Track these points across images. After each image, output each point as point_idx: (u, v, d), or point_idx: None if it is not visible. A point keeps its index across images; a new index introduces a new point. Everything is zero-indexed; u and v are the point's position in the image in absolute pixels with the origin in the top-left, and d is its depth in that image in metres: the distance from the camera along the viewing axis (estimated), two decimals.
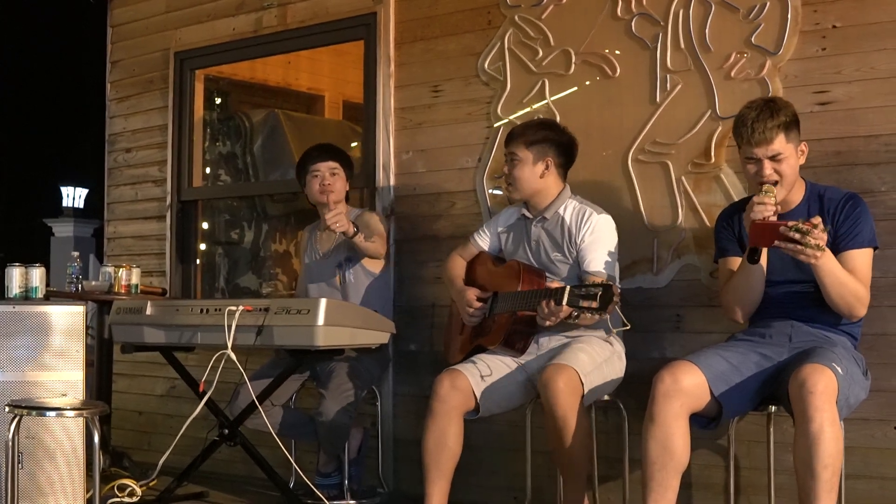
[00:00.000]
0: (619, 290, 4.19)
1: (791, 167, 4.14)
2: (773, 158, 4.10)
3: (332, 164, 5.62)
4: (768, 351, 4.16)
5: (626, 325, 4.36)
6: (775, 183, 4.09)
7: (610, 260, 4.70)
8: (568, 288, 4.27)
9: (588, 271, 4.68)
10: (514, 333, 4.71)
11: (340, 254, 5.62)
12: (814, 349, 4.02)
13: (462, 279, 5.10)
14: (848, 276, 4.02)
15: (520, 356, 4.77)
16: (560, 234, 4.79)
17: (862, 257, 4.11)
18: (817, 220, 3.85)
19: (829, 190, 4.26)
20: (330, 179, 5.59)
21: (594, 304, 4.17)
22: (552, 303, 4.33)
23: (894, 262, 4.53)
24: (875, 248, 4.17)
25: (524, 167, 4.82)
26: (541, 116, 5.37)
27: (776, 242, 3.87)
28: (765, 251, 4.11)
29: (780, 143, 4.09)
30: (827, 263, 3.93)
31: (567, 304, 4.26)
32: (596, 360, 4.56)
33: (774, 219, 3.96)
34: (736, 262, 4.30)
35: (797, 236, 3.81)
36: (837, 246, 4.07)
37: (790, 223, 3.84)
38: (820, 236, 3.82)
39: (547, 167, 4.83)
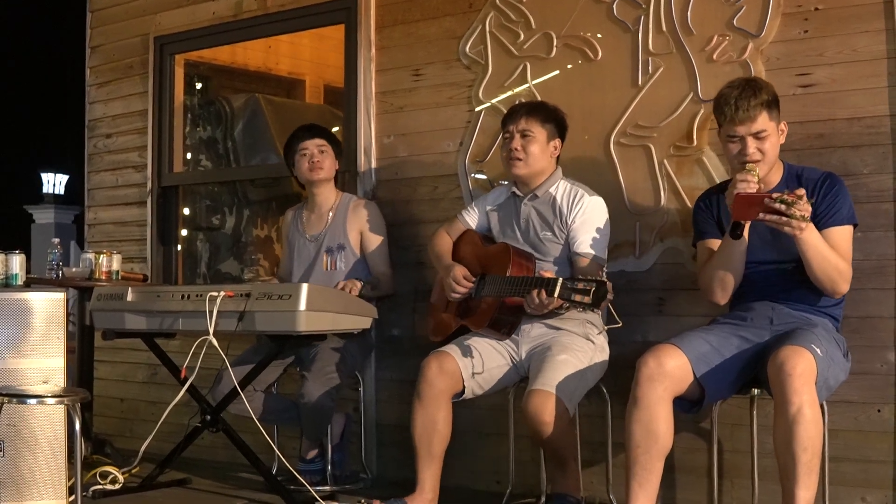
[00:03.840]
0: (611, 287, 4.16)
1: (773, 145, 4.17)
2: (757, 136, 4.13)
3: (319, 141, 5.62)
4: (749, 334, 4.17)
5: (618, 323, 4.29)
6: (757, 162, 4.10)
7: (600, 242, 4.70)
8: (560, 280, 4.24)
9: (578, 252, 4.69)
10: (500, 318, 4.70)
11: (332, 240, 5.61)
12: (794, 331, 4.03)
13: (450, 255, 5.08)
14: (830, 251, 4.03)
15: (504, 339, 4.76)
16: (551, 213, 4.79)
17: (842, 234, 4.13)
18: (801, 191, 3.88)
19: (806, 170, 4.29)
20: (319, 157, 5.60)
21: (587, 300, 4.14)
22: (543, 293, 4.31)
23: (877, 245, 4.54)
24: (855, 226, 4.18)
25: (538, 144, 4.81)
26: (523, 100, 5.36)
27: (761, 215, 3.88)
28: (746, 228, 4.13)
29: (764, 121, 4.12)
30: (811, 237, 3.95)
31: (558, 297, 4.24)
32: (579, 367, 4.53)
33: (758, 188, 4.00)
34: (715, 244, 4.32)
35: (782, 207, 3.82)
36: (817, 224, 4.07)
37: (775, 195, 3.86)
38: (805, 207, 3.84)
39: (555, 148, 4.85)
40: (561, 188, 4.83)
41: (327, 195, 5.68)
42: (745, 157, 4.12)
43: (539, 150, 4.81)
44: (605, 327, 4.60)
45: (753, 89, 4.14)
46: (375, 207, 5.70)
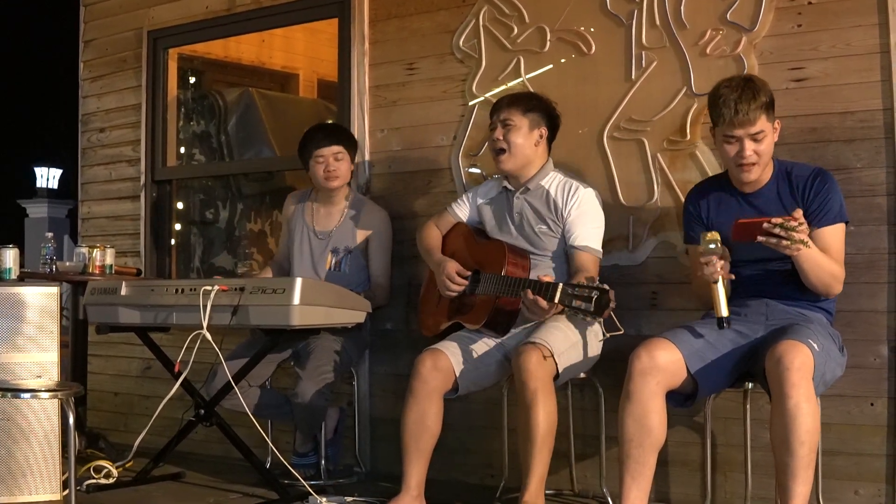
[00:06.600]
0: (613, 295, 4.13)
1: (768, 145, 4.15)
2: (755, 138, 4.10)
3: (336, 148, 5.58)
4: (744, 329, 4.18)
5: (620, 330, 4.25)
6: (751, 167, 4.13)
7: (596, 235, 4.71)
8: (560, 286, 4.21)
9: (574, 245, 4.69)
10: (497, 316, 4.68)
11: (339, 241, 5.61)
12: (790, 326, 4.03)
13: (439, 250, 5.07)
14: (825, 259, 4.03)
15: (501, 338, 4.75)
16: (545, 206, 4.78)
17: (834, 233, 4.13)
18: (798, 213, 3.89)
19: (796, 167, 4.27)
20: (334, 165, 5.57)
21: (589, 308, 4.11)
22: (541, 299, 4.30)
23: (869, 239, 4.54)
24: (846, 223, 4.18)
25: (520, 133, 4.79)
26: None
27: (760, 238, 3.89)
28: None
29: (762, 123, 4.09)
30: (808, 252, 3.94)
31: (559, 302, 4.22)
32: (571, 338, 4.55)
33: (722, 264, 4.06)
34: None
35: (781, 233, 3.84)
36: (809, 223, 4.04)
37: (774, 220, 3.86)
38: (803, 230, 3.85)
39: (541, 136, 4.83)
40: (554, 181, 4.82)
41: (340, 193, 5.68)
42: (742, 158, 4.10)
43: (521, 139, 4.79)
44: (608, 334, 4.41)
45: (753, 91, 4.08)
46: (387, 218, 5.69)
